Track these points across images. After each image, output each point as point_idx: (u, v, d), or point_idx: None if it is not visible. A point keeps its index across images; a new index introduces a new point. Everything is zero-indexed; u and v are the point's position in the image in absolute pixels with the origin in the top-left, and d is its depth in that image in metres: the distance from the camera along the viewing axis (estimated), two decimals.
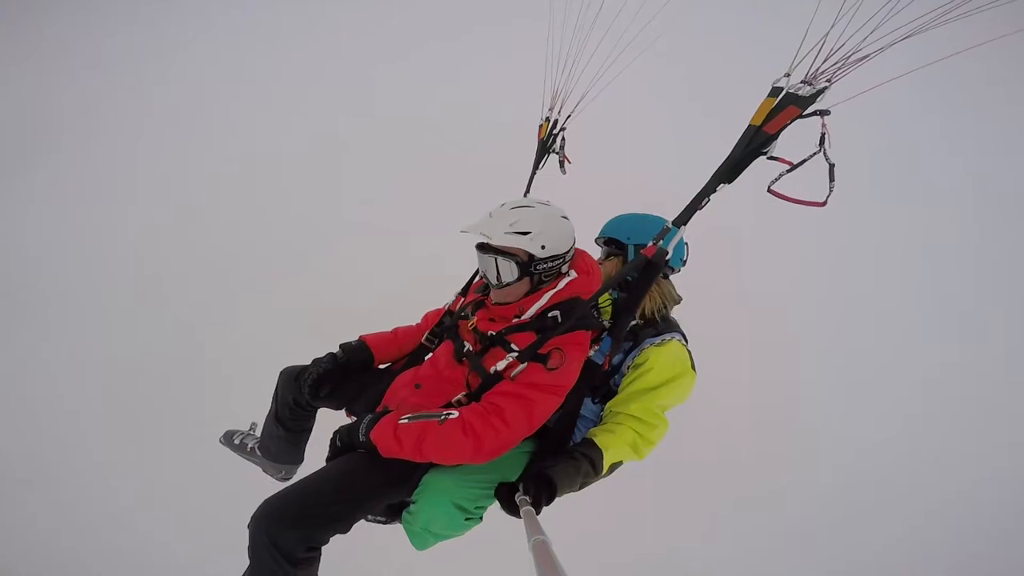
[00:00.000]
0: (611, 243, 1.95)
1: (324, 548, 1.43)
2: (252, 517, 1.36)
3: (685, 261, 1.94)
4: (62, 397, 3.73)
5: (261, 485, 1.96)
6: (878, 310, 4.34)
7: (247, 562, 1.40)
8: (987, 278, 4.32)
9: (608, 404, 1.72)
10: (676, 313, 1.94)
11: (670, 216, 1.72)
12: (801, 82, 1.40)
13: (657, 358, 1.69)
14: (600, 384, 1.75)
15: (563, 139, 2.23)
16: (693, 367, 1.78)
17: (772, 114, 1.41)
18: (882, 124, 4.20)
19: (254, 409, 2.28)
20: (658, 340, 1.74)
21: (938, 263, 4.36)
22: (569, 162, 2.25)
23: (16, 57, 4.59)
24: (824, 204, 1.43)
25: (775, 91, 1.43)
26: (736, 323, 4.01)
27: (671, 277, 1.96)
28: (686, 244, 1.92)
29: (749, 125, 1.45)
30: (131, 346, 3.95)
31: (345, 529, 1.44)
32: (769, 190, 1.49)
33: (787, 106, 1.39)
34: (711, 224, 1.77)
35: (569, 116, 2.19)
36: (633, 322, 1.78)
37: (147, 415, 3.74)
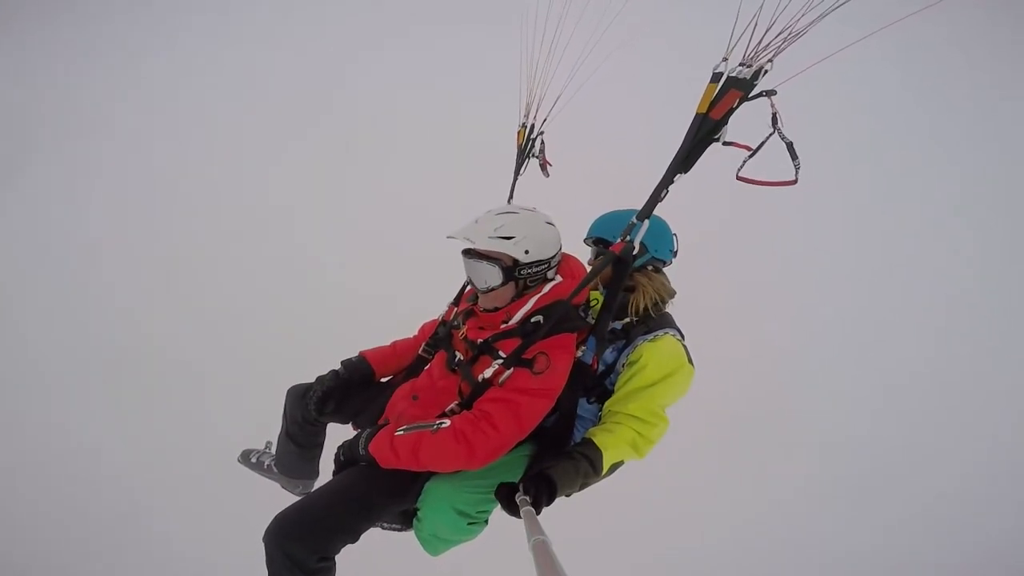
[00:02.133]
0: (599, 243, 1.93)
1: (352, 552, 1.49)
2: (265, 532, 1.44)
3: (676, 252, 1.93)
4: (64, 407, 3.80)
5: (273, 498, 2.04)
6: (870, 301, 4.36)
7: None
8: (978, 268, 4.30)
9: (606, 404, 1.71)
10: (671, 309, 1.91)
11: (660, 210, 1.73)
12: (740, 65, 1.38)
13: (651, 354, 1.68)
14: (593, 384, 1.75)
15: (542, 143, 2.24)
16: (690, 361, 1.76)
17: (716, 100, 1.41)
18: (847, 97, 4.18)
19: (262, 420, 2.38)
20: (651, 336, 1.72)
21: (926, 254, 4.34)
22: (551, 165, 2.27)
23: (12, 58, 4.61)
24: (795, 182, 1.42)
25: (716, 76, 1.43)
26: (721, 320, 4.02)
27: (664, 270, 1.93)
28: (675, 235, 1.91)
29: (696, 113, 1.45)
30: (124, 354, 4.00)
31: (353, 539, 1.51)
32: (738, 177, 1.49)
33: (729, 90, 1.39)
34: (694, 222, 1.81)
35: (545, 120, 2.21)
36: (626, 319, 1.79)
37: (148, 422, 3.81)
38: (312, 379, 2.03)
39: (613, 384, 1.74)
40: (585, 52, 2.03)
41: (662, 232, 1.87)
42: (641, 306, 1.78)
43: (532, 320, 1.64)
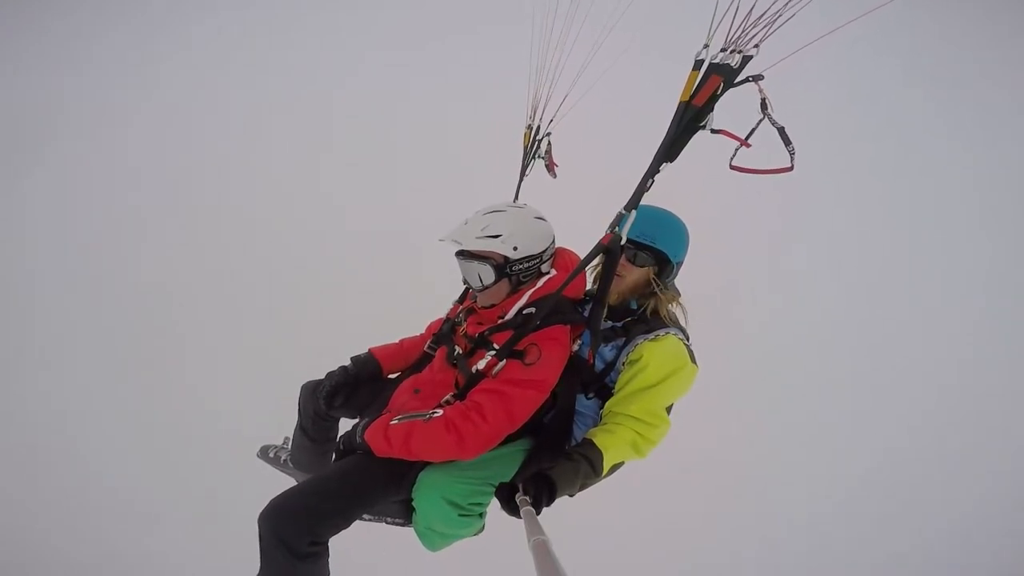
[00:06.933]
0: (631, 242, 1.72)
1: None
2: (260, 514, 1.48)
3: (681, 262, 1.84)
4: (64, 413, 3.86)
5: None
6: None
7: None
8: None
9: (607, 404, 1.69)
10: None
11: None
12: (721, 50, 1.36)
13: (652, 354, 1.65)
14: (592, 380, 1.73)
15: (548, 144, 2.24)
16: (693, 360, 1.72)
17: (698, 87, 1.38)
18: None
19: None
20: (651, 336, 1.68)
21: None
22: (557, 166, 2.26)
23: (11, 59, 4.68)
24: (791, 168, 1.38)
25: (698, 64, 1.40)
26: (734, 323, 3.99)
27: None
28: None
29: (679, 101, 1.42)
30: (131, 353, 4.06)
31: (345, 525, 1.54)
32: (731, 166, 1.45)
33: (710, 76, 1.36)
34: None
35: (551, 121, 2.20)
36: (627, 318, 1.77)
37: (150, 425, 3.88)
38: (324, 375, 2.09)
39: (613, 382, 1.72)
40: (592, 52, 2.01)
41: (687, 241, 1.82)
42: (662, 312, 1.75)
43: (524, 312, 1.67)
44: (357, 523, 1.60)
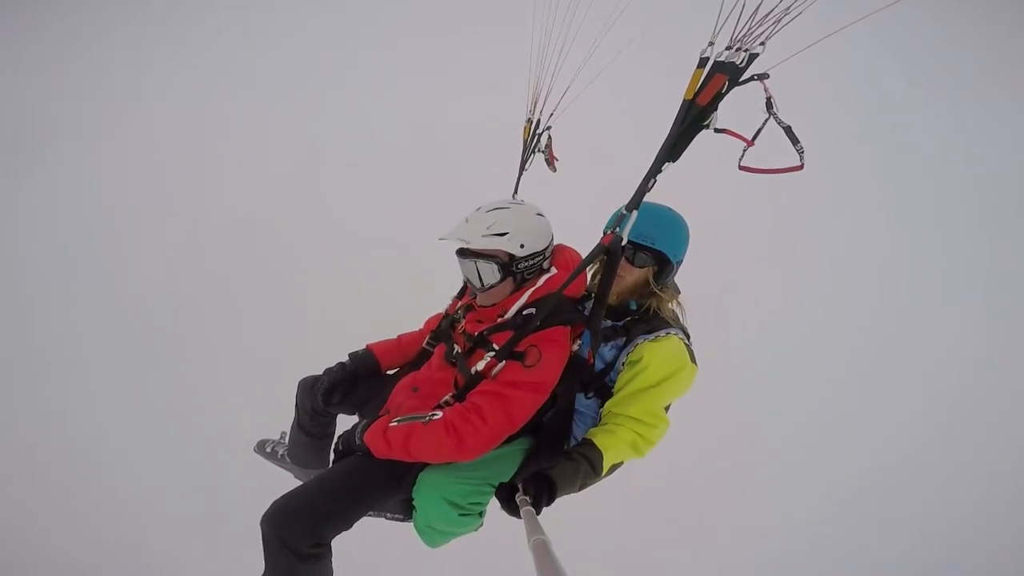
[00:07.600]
0: (632, 243, 1.69)
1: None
2: (263, 516, 1.49)
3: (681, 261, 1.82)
4: (63, 412, 3.84)
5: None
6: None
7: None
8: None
9: (607, 404, 1.67)
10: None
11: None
12: (727, 48, 1.33)
13: (652, 355, 1.63)
14: (591, 380, 1.72)
15: (548, 138, 2.22)
16: (693, 360, 1.70)
17: (702, 86, 1.35)
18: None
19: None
20: (652, 336, 1.67)
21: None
22: (557, 160, 2.25)
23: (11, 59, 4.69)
24: (801, 167, 1.35)
25: (702, 61, 1.37)
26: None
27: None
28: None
29: (683, 100, 1.39)
30: (131, 352, 4.07)
31: (346, 526, 1.54)
32: (740, 167, 1.42)
33: (715, 74, 1.33)
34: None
35: (552, 115, 2.18)
36: (628, 318, 1.75)
37: (150, 425, 3.88)
38: (322, 371, 2.09)
39: (613, 382, 1.71)
40: (594, 45, 2.00)
41: (687, 239, 1.78)
42: (664, 310, 1.74)
43: (524, 313, 1.65)
44: (359, 521, 1.59)
